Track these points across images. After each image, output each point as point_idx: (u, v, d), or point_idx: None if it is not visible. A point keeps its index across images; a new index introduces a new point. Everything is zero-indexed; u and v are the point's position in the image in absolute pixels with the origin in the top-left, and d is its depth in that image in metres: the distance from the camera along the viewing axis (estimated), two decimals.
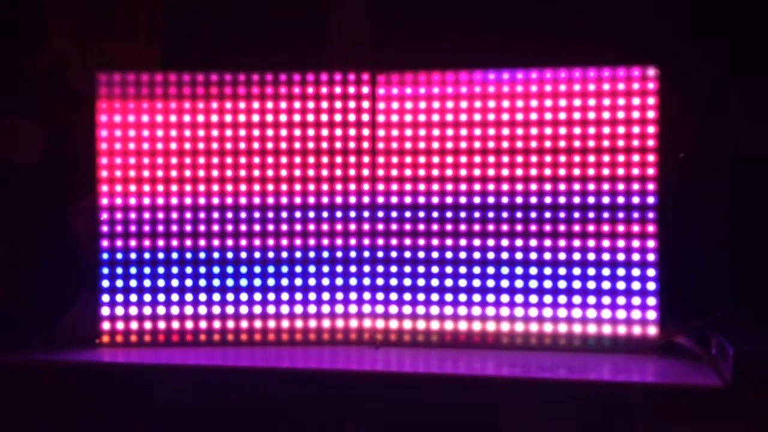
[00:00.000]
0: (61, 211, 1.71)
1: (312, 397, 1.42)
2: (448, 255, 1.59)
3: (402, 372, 1.45)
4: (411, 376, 1.43)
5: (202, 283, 1.60)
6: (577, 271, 1.55)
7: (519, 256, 1.57)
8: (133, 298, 1.60)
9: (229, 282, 1.61)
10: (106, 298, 1.60)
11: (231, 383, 1.44)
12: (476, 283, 1.58)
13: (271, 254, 1.61)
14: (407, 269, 1.60)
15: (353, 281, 1.61)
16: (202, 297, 1.61)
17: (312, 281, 1.61)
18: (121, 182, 1.60)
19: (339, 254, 1.61)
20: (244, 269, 1.60)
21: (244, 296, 1.61)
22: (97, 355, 1.54)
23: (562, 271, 1.56)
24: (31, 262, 1.67)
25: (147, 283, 1.60)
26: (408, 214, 1.60)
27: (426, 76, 1.59)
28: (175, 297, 1.60)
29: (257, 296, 1.61)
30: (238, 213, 1.61)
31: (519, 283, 1.57)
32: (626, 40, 1.71)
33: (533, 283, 1.57)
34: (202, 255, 1.61)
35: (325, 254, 1.61)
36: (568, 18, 1.75)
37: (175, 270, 1.60)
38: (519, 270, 1.57)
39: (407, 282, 1.60)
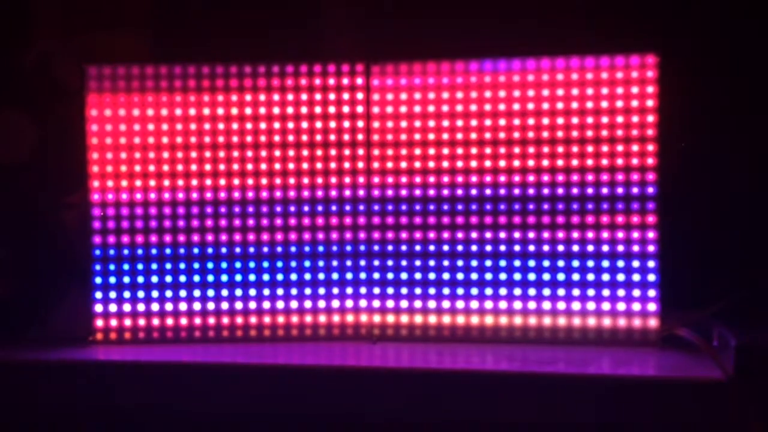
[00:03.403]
0: (52, 207, 1.70)
1: (309, 393, 1.40)
2: (445, 248, 1.57)
3: (400, 367, 1.43)
4: (409, 371, 1.41)
5: (196, 279, 1.58)
6: (576, 263, 1.54)
7: (517, 248, 1.55)
8: (126, 294, 1.58)
9: (223, 278, 1.59)
10: (98, 294, 1.59)
11: (226, 380, 1.43)
12: (474, 276, 1.56)
13: (265, 249, 1.59)
14: (404, 263, 1.58)
15: (349, 275, 1.59)
16: (196, 293, 1.59)
17: (307, 276, 1.59)
18: (113, 177, 1.58)
19: (334, 248, 1.59)
20: (238, 264, 1.59)
21: (238, 292, 1.59)
22: (91, 353, 1.53)
23: (560, 263, 1.54)
24: (22, 259, 1.65)
25: (140, 279, 1.58)
26: (404, 207, 1.58)
27: (421, 66, 1.57)
28: (168, 293, 1.58)
29: (252, 292, 1.59)
30: (231, 207, 1.59)
31: (517, 276, 1.55)
32: (624, 27, 1.69)
33: (531, 276, 1.55)
34: (195, 250, 1.58)
35: (321, 248, 1.59)
36: (564, 5, 1.72)
37: (168, 266, 1.58)
38: (517, 262, 1.55)
39: (404, 276, 1.58)
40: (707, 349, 1.40)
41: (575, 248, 1.54)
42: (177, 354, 1.51)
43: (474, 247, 1.56)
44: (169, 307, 1.59)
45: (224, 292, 1.59)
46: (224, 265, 1.59)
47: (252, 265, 1.59)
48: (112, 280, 1.58)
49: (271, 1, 1.83)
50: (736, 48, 1.68)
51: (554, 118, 1.54)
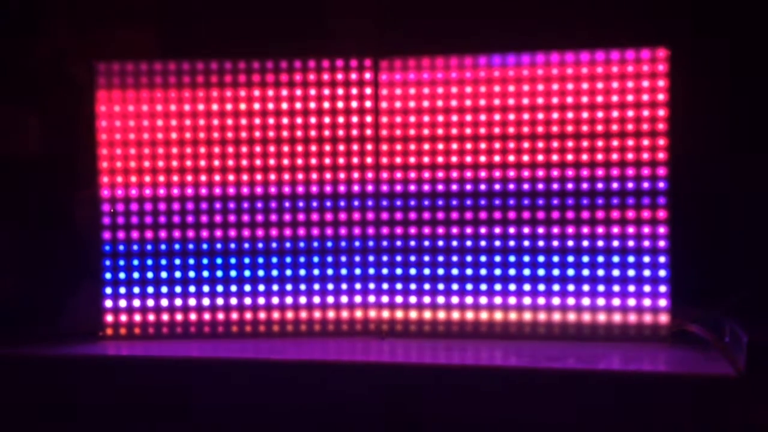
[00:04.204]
0: (62, 202, 1.70)
1: (317, 388, 1.40)
2: (454, 243, 1.56)
3: (408, 363, 1.43)
4: (417, 366, 1.41)
5: (205, 274, 1.59)
6: (586, 258, 1.52)
7: (526, 243, 1.54)
8: (136, 290, 1.59)
9: (232, 273, 1.59)
10: (108, 290, 1.59)
11: (235, 375, 1.43)
12: (483, 271, 1.55)
13: (274, 245, 1.59)
14: (413, 258, 1.57)
15: (358, 271, 1.59)
16: (206, 288, 1.59)
17: (316, 271, 1.59)
18: (122, 173, 1.58)
19: (343, 244, 1.58)
20: (247, 260, 1.58)
21: (247, 287, 1.59)
22: (101, 348, 1.53)
23: (570, 258, 1.53)
24: (33, 255, 1.65)
25: (150, 274, 1.59)
26: (413, 202, 1.57)
27: (429, 61, 1.56)
28: (178, 289, 1.59)
29: (261, 287, 1.59)
30: (240, 203, 1.59)
31: (526, 272, 1.54)
32: (635, 21, 1.68)
33: (541, 272, 1.54)
34: (204, 246, 1.59)
35: (329, 244, 1.58)
36: None
37: (177, 261, 1.58)
38: (527, 258, 1.54)
39: (413, 271, 1.58)
40: (718, 345, 1.38)
41: (585, 243, 1.52)
42: (186, 349, 1.51)
43: (483, 243, 1.55)
44: (178, 302, 1.59)
45: (233, 288, 1.59)
46: (233, 261, 1.59)
47: (260, 260, 1.58)
48: (122, 275, 1.59)
49: None
50: (747, 41, 1.66)
51: (564, 113, 1.53)
